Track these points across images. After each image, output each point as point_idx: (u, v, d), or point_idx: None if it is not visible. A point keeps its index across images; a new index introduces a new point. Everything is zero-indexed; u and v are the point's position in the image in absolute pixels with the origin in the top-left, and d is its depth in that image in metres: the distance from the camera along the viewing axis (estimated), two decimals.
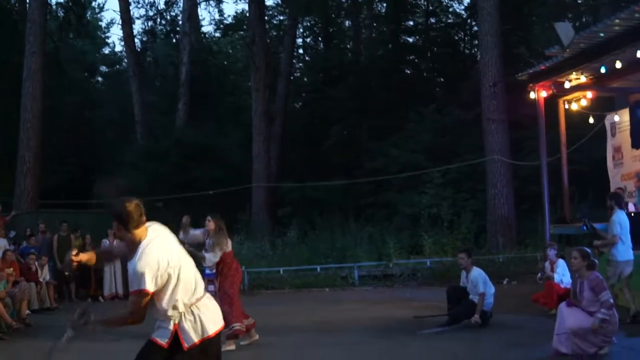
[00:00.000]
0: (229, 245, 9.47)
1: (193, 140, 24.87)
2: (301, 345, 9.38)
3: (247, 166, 23.83)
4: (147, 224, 4.48)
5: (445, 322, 10.25)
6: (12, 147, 21.28)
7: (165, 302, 4.38)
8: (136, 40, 30.87)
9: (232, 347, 8.93)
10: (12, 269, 12.63)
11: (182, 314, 4.43)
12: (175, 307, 4.41)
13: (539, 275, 11.57)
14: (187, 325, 4.43)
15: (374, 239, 18.83)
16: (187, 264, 4.53)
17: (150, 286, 4.25)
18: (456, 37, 31.06)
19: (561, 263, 11.27)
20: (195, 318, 4.45)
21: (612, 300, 7.79)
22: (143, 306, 4.30)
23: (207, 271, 17.14)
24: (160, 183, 23.15)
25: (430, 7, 30.21)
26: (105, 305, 15.96)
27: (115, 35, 57.89)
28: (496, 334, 9.60)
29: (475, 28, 26.93)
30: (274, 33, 32.75)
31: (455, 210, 19.68)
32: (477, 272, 10.40)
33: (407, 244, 18.95)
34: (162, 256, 4.34)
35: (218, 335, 4.58)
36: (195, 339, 4.43)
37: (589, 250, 8.05)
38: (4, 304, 11.26)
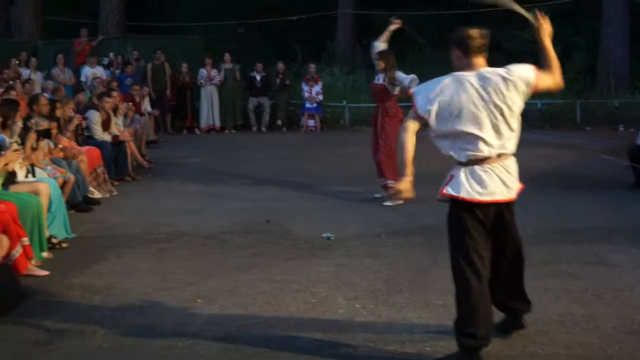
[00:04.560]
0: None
1: None
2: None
3: None
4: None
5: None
6: None
7: (443, 143, 4.11)
8: None
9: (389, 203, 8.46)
10: (130, 103, 12.04)
11: (462, 166, 4.05)
12: (451, 153, 4.09)
13: None
14: (458, 177, 4.05)
15: None
16: (480, 118, 3.97)
17: (419, 105, 4.05)
18: None
19: None
20: (467, 175, 4.02)
21: None
22: (409, 124, 4.14)
23: (307, 104, 16.61)
24: (237, 5, 22.03)
25: None
26: (201, 138, 15.54)
27: None
28: None
29: None
30: None
31: (562, 48, 18.40)
32: None
33: None
34: (449, 89, 3.99)
35: (486, 205, 4.02)
36: (453, 192, 4.04)
37: None
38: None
